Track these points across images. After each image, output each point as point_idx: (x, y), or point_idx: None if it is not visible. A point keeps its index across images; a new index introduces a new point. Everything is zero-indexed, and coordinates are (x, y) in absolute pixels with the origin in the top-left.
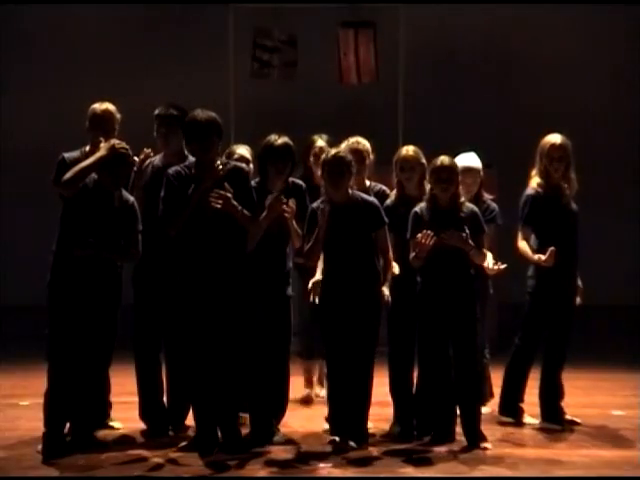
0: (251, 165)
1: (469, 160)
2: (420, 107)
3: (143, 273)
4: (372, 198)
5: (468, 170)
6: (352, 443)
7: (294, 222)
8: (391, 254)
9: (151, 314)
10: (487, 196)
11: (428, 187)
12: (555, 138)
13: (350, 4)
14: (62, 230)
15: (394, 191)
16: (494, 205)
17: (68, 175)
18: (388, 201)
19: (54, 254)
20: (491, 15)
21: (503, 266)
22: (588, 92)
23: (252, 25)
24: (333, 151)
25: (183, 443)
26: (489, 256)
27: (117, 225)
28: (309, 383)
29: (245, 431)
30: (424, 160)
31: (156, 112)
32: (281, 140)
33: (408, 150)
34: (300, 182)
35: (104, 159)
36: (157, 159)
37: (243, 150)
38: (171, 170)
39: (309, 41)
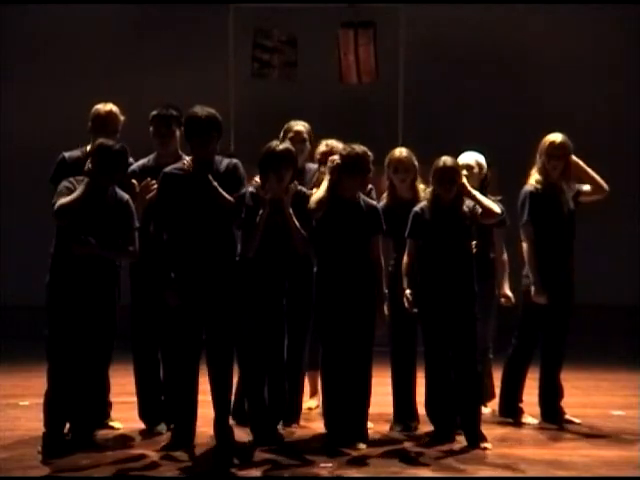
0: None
1: (467, 156)
2: (420, 107)
3: (140, 272)
4: (374, 202)
5: (465, 163)
6: (359, 445)
7: (297, 226)
8: (382, 261)
9: (148, 313)
10: (495, 198)
11: (421, 188)
12: (555, 136)
13: (350, 4)
14: (59, 231)
15: (385, 194)
16: (502, 207)
17: (60, 215)
18: (381, 204)
19: (52, 255)
20: (491, 15)
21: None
22: (588, 92)
23: (252, 25)
24: (351, 148)
25: (163, 443)
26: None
27: (113, 223)
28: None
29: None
30: (416, 162)
31: (155, 112)
32: (282, 146)
33: (402, 152)
34: (304, 189)
35: (83, 195)
36: (150, 159)
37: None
38: (167, 170)
39: (309, 41)
